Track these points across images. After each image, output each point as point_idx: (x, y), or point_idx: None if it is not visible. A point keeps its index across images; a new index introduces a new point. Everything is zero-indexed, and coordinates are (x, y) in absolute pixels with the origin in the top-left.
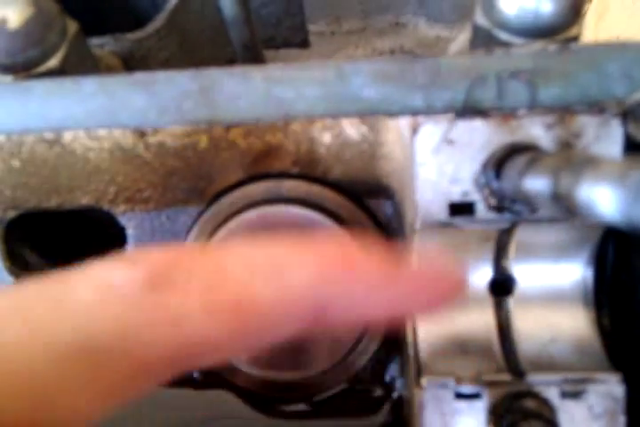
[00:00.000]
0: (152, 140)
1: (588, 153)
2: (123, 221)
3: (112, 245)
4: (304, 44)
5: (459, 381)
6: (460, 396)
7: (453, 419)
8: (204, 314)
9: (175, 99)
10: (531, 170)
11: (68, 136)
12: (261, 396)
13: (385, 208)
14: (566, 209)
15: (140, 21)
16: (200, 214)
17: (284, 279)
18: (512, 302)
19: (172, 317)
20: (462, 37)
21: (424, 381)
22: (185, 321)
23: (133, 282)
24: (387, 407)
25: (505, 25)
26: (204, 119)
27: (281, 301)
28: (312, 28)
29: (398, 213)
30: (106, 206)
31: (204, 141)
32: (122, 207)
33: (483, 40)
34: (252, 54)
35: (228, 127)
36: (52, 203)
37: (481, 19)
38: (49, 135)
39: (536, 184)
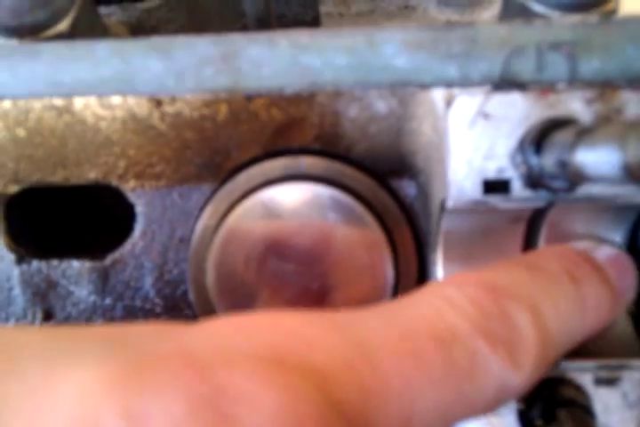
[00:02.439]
0: (169, 109)
1: None
2: (132, 198)
3: (117, 226)
4: (315, 22)
5: None
6: None
7: None
8: None
9: (195, 65)
10: (585, 141)
11: (78, 104)
12: None
13: (408, 188)
14: (633, 177)
15: None
16: (214, 192)
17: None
18: None
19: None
20: (488, 14)
21: None
22: None
23: (517, 389)
24: None
25: None
26: (224, 87)
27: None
28: (322, 9)
29: (423, 194)
30: (114, 182)
31: (223, 112)
32: (131, 183)
33: (515, 13)
34: (266, 29)
35: (250, 97)
36: (58, 177)
37: None
38: (59, 102)
39: (595, 155)
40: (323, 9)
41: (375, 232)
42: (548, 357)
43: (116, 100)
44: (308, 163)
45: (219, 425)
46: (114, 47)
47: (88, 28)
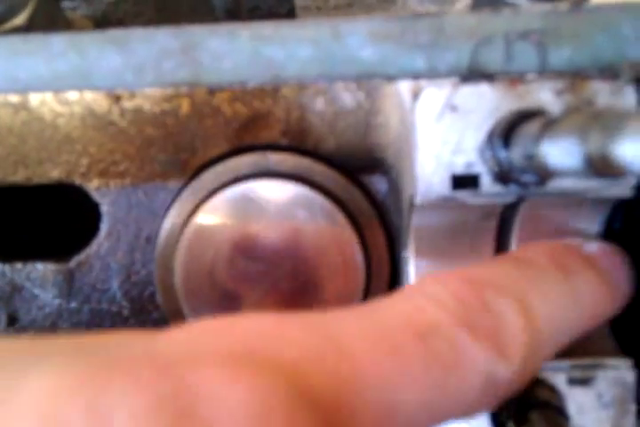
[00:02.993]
0: (128, 104)
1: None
2: (96, 197)
3: (84, 224)
4: (290, 14)
5: None
6: None
7: None
8: None
9: (154, 58)
10: (549, 133)
11: (35, 100)
12: None
13: (379, 184)
14: (596, 169)
15: None
16: (180, 190)
17: None
18: None
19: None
20: (459, 6)
21: None
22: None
23: (508, 379)
24: None
25: None
26: (185, 81)
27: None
28: (298, 2)
29: (394, 190)
30: (78, 181)
31: (185, 107)
32: (95, 182)
33: (486, 3)
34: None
35: (213, 91)
36: (19, 176)
37: None
38: (14, 98)
39: (558, 147)
40: (300, 2)
41: (346, 230)
42: (539, 348)
43: (72, 95)
44: (276, 159)
45: (180, 421)
46: (70, 40)
47: (48, 22)
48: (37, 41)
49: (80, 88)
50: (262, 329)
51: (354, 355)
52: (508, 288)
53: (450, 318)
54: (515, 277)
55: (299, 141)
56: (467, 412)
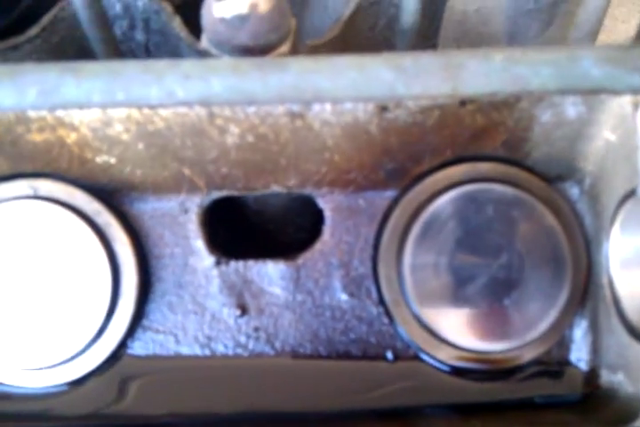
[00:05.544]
0: (389, 115)
1: None
2: (321, 203)
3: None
4: None
5: None
6: None
7: None
8: None
9: (420, 74)
10: None
11: (315, 109)
12: (460, 369)
13: (571, 190)
14: None
15: None
16: (400, 196)
17: None
18: None
19: None
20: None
21: None
22: None
23: None
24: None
25: None
26: (445, 93)
27: None
28: None
29: (590, 195)
30: (309, 190)
31: (433, 118)
32: (323, 190)
33: None
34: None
35: (464, 102)
36: (259, 184)
37: None
38: (296, 107)
39: None
40: None
41: (555, 227)
42: None
43: (347, 106)
44: (486, 168)
45: None
46: (351, 59)
47: (294, 50)
48: (323, 61)
49: (355, 100)
50: None
51: None
52: None
53: None
54: None
55: (514, 150)
56: None
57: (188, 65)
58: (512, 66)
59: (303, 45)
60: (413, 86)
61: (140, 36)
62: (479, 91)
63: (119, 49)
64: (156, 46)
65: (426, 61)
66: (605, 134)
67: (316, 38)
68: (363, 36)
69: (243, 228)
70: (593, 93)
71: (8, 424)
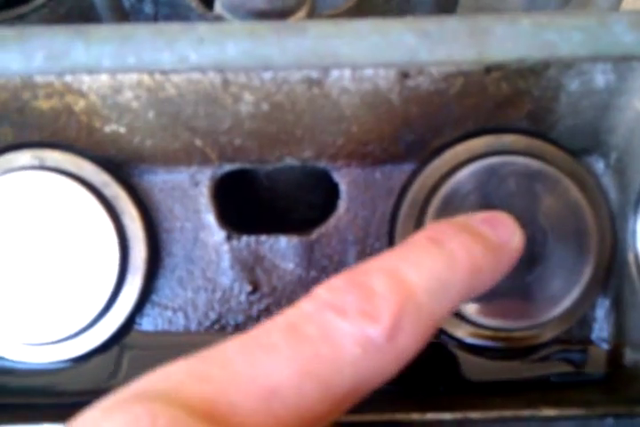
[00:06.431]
0: (410, 83)
1: None
2: (336, 177)
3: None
4: None
5: None
6: None
7: None
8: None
9: (444, 40)
10: None
11: (333, 75)
12: (478, 347)
13: (596, 164)
14: None
15: None
16: (419, 169)
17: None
18: None
19: (398, 355)
20: None
21: None
22: (405, 355)
23: (382, 336)
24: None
25: None
26: (470, 60)
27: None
28: None
29: (615, 170)
30: (324, 162)
31: (456, 86)
32: (339, 163)
33: None
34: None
35: (489, 70)
36: (273, 156)
37: None
38: (314, 74)
39: None
40: None
41: (580, 202)
42: (417, 305)
43: (368, 72)
44: (509, 140)
45: None
46: (372, 23)
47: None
48: (344, 25)
49: (378, 65)
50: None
51: (227, 360)
52: (378, 267)
53: (318, 304)
54: (387, 258)
55: (539, 121)
56: (347, 377)
57: (203, 29)
58: (540, 31)
59: (318, 16)
60: (437, 52)
61: (148, 8)
62: (506, 57)
63: (128, 21)
64: (165, 19)
65: (450, 26)
66: (636, 104)
67: (332, 9)
68: (379, 8)
69: (253, 205)
70: (625, 60)
71: (11, 399)
